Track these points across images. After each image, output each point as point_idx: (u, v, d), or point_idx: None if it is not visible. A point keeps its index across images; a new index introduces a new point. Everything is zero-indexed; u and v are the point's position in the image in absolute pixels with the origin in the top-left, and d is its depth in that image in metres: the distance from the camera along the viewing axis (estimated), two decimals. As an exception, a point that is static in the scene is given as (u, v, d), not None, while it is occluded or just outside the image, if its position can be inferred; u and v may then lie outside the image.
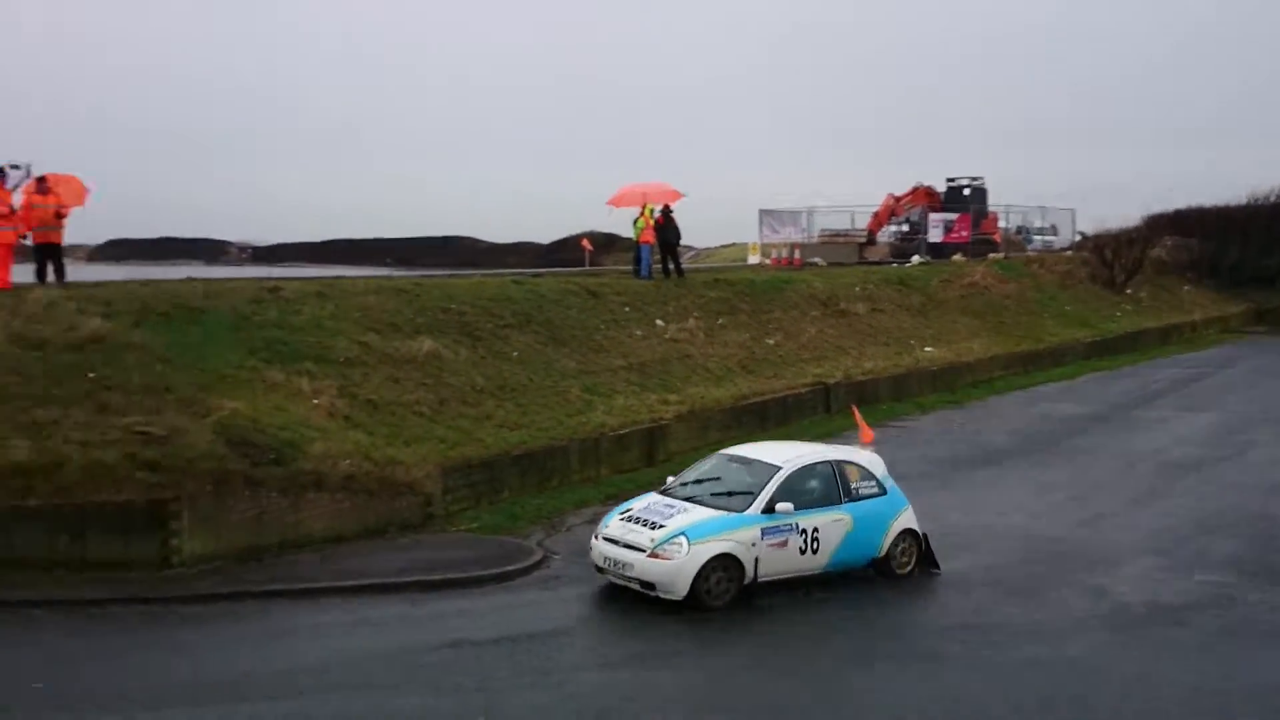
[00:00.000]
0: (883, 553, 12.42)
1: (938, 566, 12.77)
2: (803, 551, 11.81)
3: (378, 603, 11.36)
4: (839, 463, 12.54)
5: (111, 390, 13.86)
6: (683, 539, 11.11)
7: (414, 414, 16.29)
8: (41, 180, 18.17)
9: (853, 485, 12.35)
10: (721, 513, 11.59)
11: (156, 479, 12.16)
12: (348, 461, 13.74)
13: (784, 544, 11.62)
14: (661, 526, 11.37)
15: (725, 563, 11.22)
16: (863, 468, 12.61)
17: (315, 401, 15.43)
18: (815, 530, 11.83)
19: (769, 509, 11.59)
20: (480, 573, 12.34)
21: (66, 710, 8.44)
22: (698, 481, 12.52)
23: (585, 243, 44.36)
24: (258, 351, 16.14)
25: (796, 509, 11.66)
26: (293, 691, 8.82)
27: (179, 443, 12.89)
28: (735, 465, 12.63)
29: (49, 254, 18.29)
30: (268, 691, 8.83)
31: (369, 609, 11.14)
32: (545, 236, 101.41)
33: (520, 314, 21.35)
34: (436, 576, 12.08)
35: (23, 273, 18.65)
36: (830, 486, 12.21)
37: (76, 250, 16.95)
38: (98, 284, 18.49)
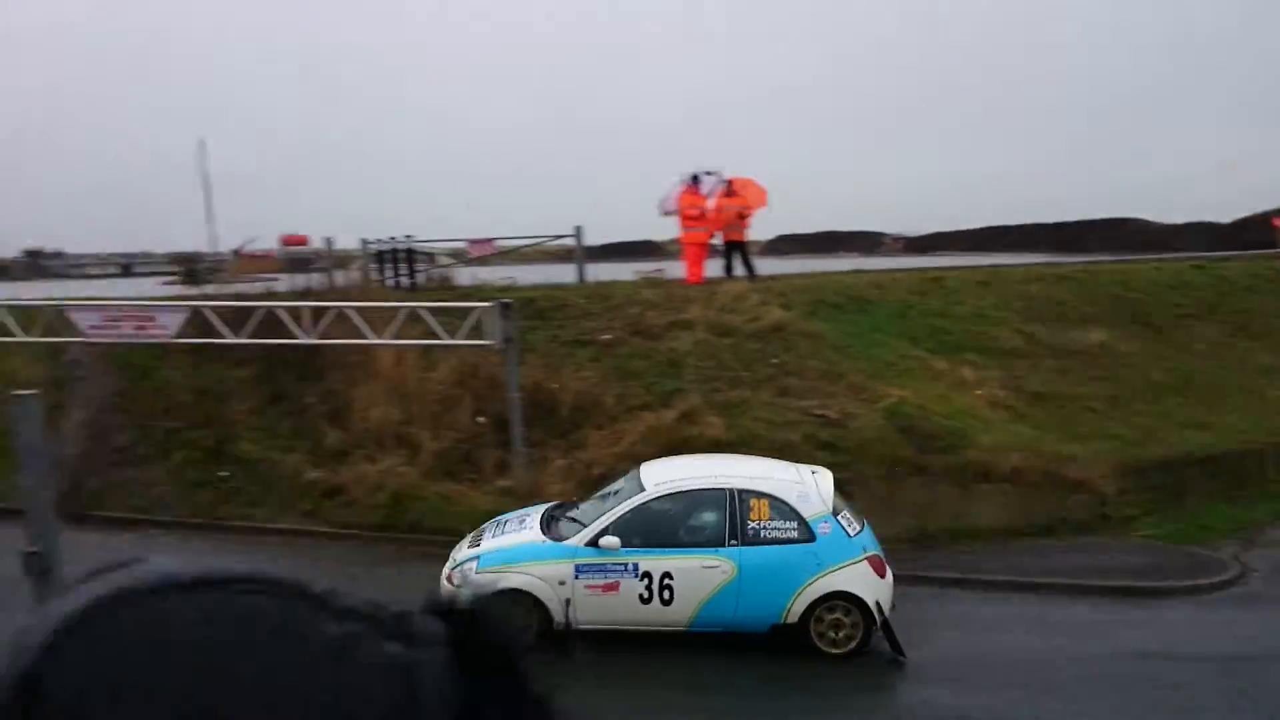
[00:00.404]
0: (792, 618, 9.09)
1: (903, 654, 8.98)
2: (646, 600, 9.06)
3: (1056, 603, 10.87)
4: (741, 492, 9.25)
5: (790, 375, 15.01)
6: (473, 564, 9.21)
7: (1084, 409, 15.38)
8: (729, 184, 20.31)
9: (751, 525, 9.11)
10: (541, 539, 9.34)
11: (833, 459, 12.89)
12: (1016, 455, 13.34)
13: (613, 587, 9.04)
14: (478, 544, 9.52)
15: (520, 600, 8.86)
16: (780, 502, 9.22)
17: (978, 392, 15.28)
18: (667, 576, 9.03)
19: (593, 542, 9.10)
20: (1167, 583, 11.25)
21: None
22: (602, 495, 9.99)
23: (1278, 221, 38.38)
24: (921, 341, 16.42)
25: (646, 545, 9.07)
26: (973, 683, 8.71)
27: (851, 426, 13.57)
28: (631, 480, 9.85)
29: (735, 250, 20.40)
30: (952, 675, 8.84)
31: (1047, 608, 10.70)
32: (1224, 215, 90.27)
33: (1203, 302, 19.16)
34: (1117, 582, 11.24)
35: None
36: (717, 522, 9.17)
37: (750, 246, 18.90)
38: (773, 277, 20.19)
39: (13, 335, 14.89)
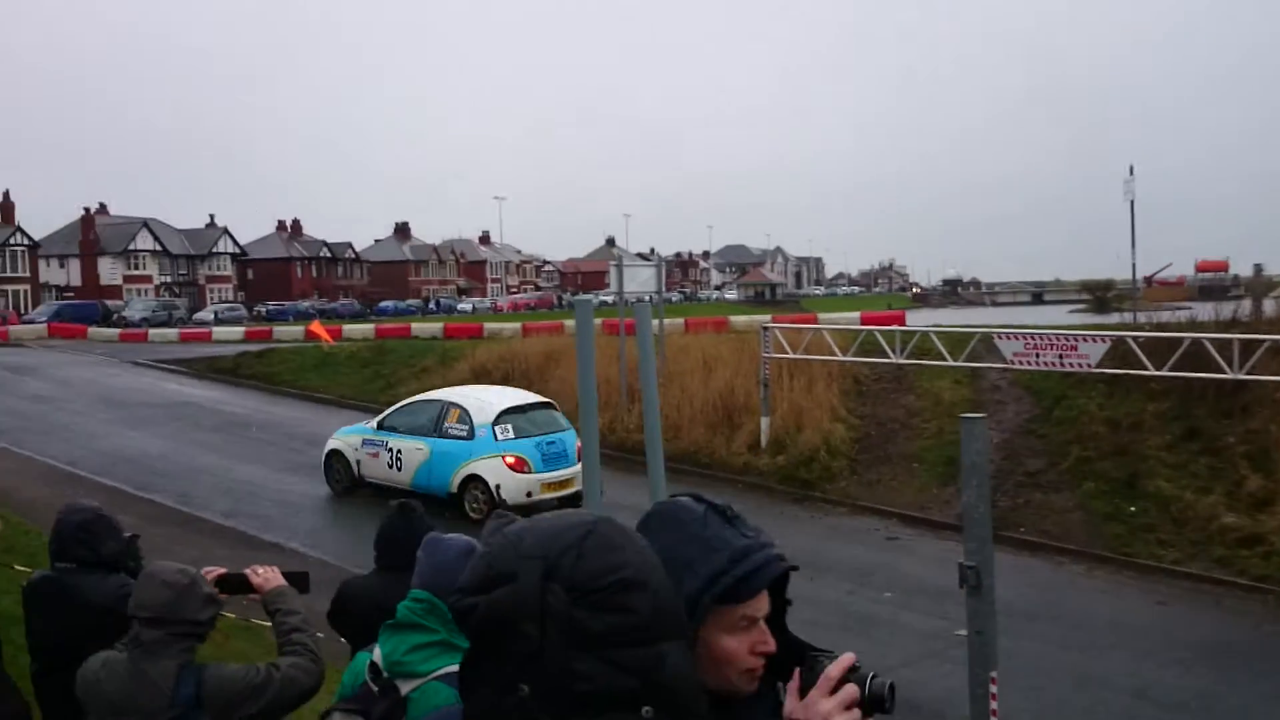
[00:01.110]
0: (454, 490, 13.79)
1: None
2: (390, 466, 14.46)
3: None
4: (446, 403, 14.52)
5: None
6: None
7: None
8: None
9: (444, 424, 14.09)
10: (364, 421, 15.77)
11: None
12: None
13: (376, 455, 14.67)
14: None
15: (339, 457, 15.21)
16: (464, 411, 14.05)
17: None
18: (399, 451, 14.37)
19: (379, 426, 14.89)
20: None
21: None
22: None
23: None
24: None
25: (400, 432, 14.56)
26: None
27: None
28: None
29: None
30: None
31: None
32: None
33: None
34: None
35: None
36: (430, 421, 14.31)
37: None
38: None
39: (942, 359, 16.45)
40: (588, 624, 1.05)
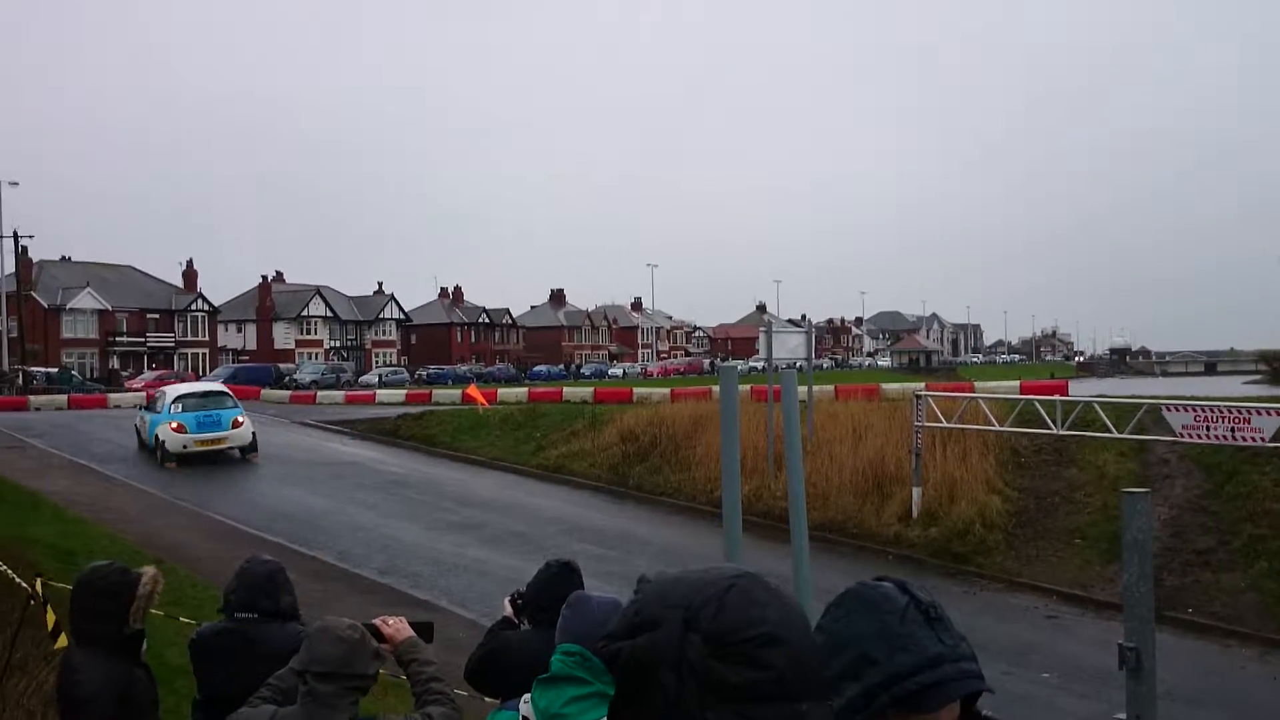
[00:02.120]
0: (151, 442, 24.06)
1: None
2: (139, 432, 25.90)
3: None
4: (155, 390, 27.33)
5: None
6: None
7: None
8: None
9: (154, 404, 26.14)
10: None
11: None
12: None
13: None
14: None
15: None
16: (163, 397, 25.27)
17: None
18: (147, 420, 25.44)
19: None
20: None
21: None
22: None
23: None
24: None
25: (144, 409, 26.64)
26: None
27: None
28: None
29: None
30: None
31: None
32: None
33: None
34: None
35: None
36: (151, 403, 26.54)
37: None
38: None
39: (1107, 431, 15.72)
40: (724, 676, 1.06)
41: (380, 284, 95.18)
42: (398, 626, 3.46)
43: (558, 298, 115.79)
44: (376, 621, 3.45)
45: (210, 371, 66.98)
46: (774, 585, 1.15)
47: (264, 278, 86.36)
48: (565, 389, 44.14)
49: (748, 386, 27.01)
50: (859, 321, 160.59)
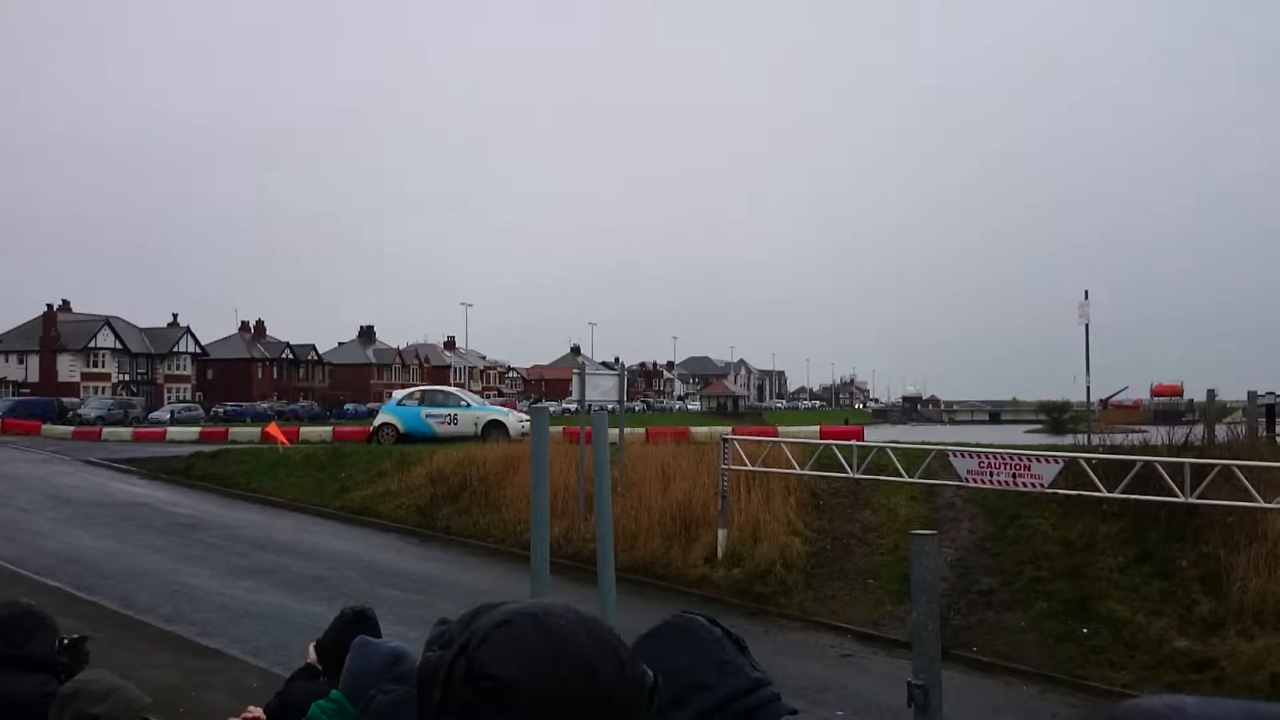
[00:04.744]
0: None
1: None
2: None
3: None
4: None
5: None
6: None
7: None
8: None
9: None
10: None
11: None
12: None
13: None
14: None
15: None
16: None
17: None
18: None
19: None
20: None
21: None
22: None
23: None
24: None
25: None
26: None
27: None
28: None
29: None
30: None
31: None
32: None
33: None
34: None
35: None
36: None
37: None
38: None
39: (899, 475, 16.57)
40: (474, 706, 1.09)
41: (175, 316, 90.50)
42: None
43: (367, 335, 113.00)
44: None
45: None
46: (562, 627, 1.15)
47: (49, 306, 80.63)
48: (373, 428, 43.03)
49: (559, 428, 27.06)
50: (670, 365, 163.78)
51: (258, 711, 3.34)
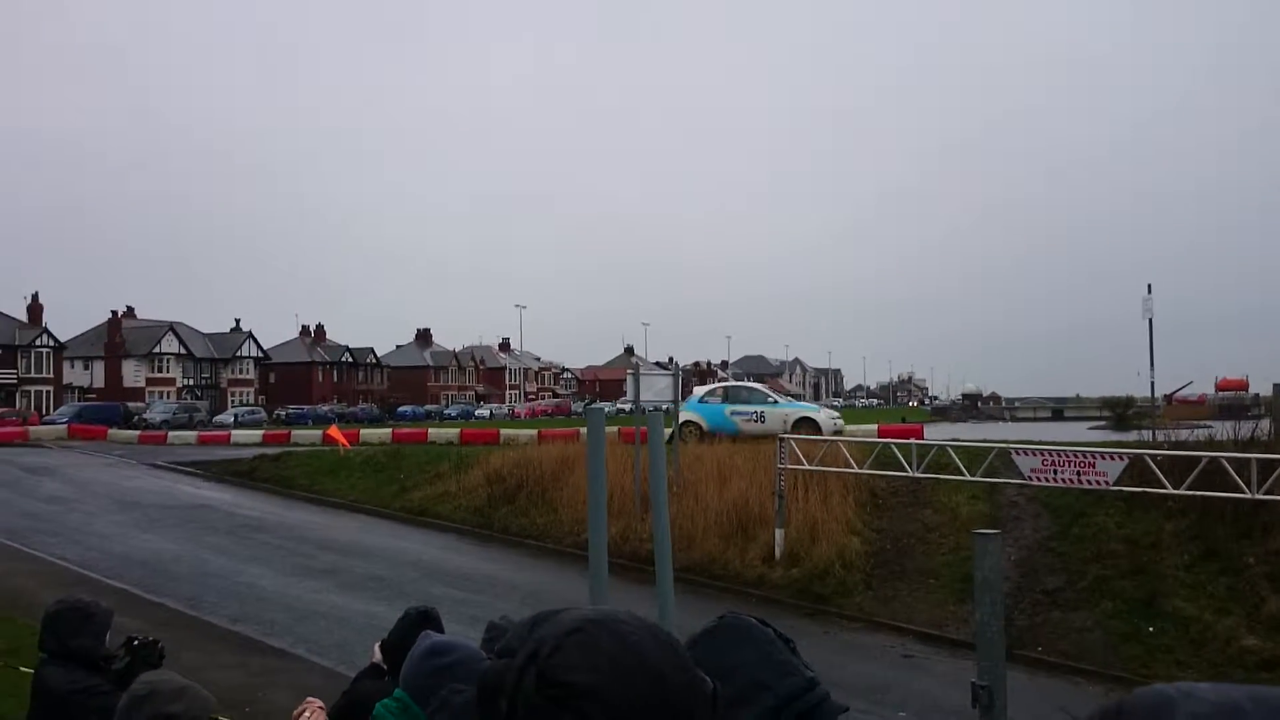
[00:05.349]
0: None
1: None
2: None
3: None
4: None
5: None
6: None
7: None
8: None
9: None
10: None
11: None
12: None
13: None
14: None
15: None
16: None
17: None
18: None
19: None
20: None
21: None
22: None
23: None
24: None
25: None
26: None
27: None
28: None
29: None
30: None
31: None
32: None
33: None
34: None
35: None
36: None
37: None
38: None
39: (960, 474, 16.34)
40: (543, 715, 1.09)
41: (238, 321, 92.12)
42: (314, 715, 3.39)
43: (424, 337, 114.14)
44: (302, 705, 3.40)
45: (55, 410, 63.39)
46: (631, 633, 1.16)
47: (114, 313, 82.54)
48: (430, 430, 43.47)
49: (615, 428, 27.13)
50: (724, 365, 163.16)
51: (318, 702, 3.37)
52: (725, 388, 28.00)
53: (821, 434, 23.27)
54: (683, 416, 24.78)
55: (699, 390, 27.90)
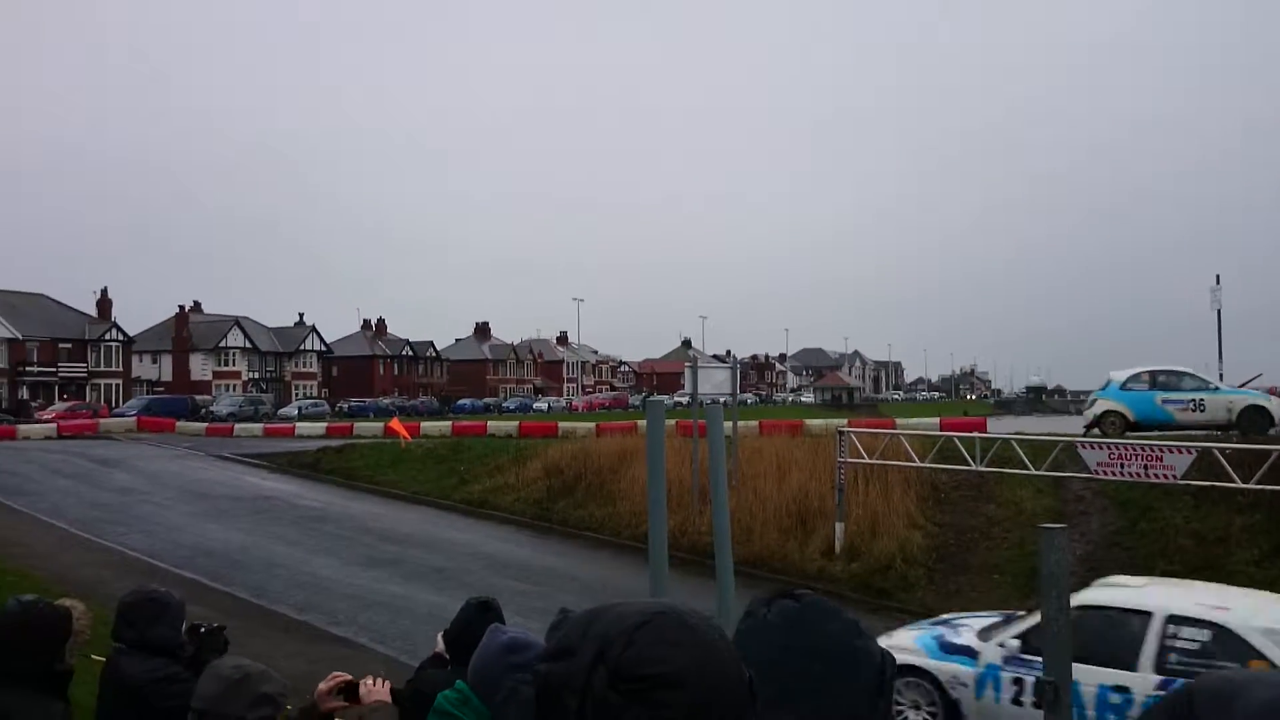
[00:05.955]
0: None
1: None
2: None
3: None
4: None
5: None
6: None
7: None
8: None
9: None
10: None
11: None
12: None
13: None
14: None
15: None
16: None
17: None
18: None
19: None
20: None
21: None
22: None
23: None
24: None
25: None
26: None
27: None
28: None
29: None
30: None
31: None
32: None
33: None
34: None
35: None
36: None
37: None
38: None
39: (1025, 468, 16.07)
40: (623, 711, 1.08)
41: (301, 315, 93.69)
42: (375, 690, 3.41)
43: (483, 331, 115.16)
44: (361, 680, 3.42)
45: (124, 403, 65.05)
46: (696, 624, 1.17)
47: (181, 308, 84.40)
48: (490, 423, 43.83)
49: (673, 421, 27.13)
50: (783, 358, 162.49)
51: (345, 676, 3.39)
52: (1151, 371, 23.72)
53: (1275, 426, 20.98)
54: (1102, 405, 22.66)
55: (1118, 375, 23.72)
